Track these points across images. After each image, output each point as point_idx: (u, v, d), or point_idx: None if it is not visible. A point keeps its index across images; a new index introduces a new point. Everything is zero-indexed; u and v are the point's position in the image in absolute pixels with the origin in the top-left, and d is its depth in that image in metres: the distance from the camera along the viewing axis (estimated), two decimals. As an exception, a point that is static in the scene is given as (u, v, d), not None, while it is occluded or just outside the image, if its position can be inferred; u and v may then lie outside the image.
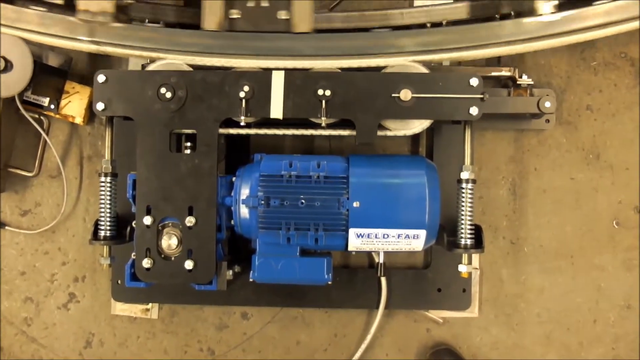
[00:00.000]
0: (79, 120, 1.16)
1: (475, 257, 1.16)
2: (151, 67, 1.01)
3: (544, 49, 1.02)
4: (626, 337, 1.16)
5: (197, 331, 1.18)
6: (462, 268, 0.98)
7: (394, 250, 0.97)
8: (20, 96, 1.08)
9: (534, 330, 1.16)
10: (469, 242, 0.97)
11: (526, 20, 1.00)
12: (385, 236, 0.95)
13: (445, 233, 1.00)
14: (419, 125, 0.99)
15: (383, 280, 1.12)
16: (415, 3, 1.12)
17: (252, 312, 1.18)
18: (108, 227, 1.00)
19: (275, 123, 0.98)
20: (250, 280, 0.97)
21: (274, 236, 0.95)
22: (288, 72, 0.96)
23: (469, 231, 0.97)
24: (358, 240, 0.95)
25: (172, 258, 0.96)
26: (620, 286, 1.16)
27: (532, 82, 1.08)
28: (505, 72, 1.08)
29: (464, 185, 0.97)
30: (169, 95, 0.95)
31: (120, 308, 1.18)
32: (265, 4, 1.02)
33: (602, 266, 1.16)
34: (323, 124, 0.96)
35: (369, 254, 1.16)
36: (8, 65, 1.03)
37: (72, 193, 1.20)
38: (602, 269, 1.16)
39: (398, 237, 0.95)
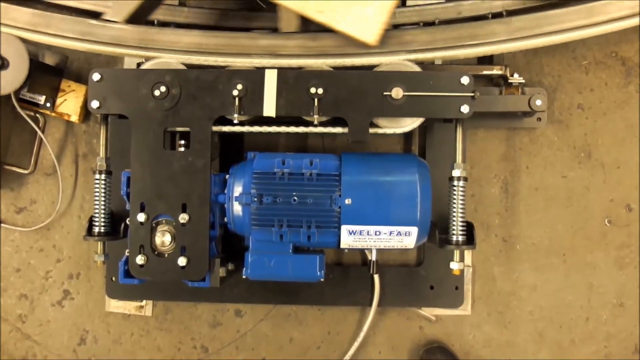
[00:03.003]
0: (74, 118, 1.17)
1: (468, 255, 1.17)
2: (146, 66, 1.02)
3: (535, 47, 1.02)
4: (618, 335, 1.16)
5: (191, 328, 1.19)
6: (454, 265, 0.99)
7: (386, 247, 0.98)
8: (16, 94, 1.09)
9: (527, 327, 1.17)
10: (460, 238, 0.97)
11: (518, 18, 1.01)
12: (377, 233, 0.95)
13: (437, 230, 1.01)
14: (411, 124, 0.99)
15: (376, 277, 1.12)
16: (408, 2, 1.13)
17: (246, 309, 1.19)
18: (102, 224, 1.00)
19: (269, 121, 0.99)
20: (244, 277, 0.98)
21: (266, 233, 0.96)
22: (281, 70, 0.97)
23: (460, 228, 0.97)
24: (350, 237, 0.96)
25: (166, 255, 0.96)
26: (612, 284, 1.16)
27: (523, 81, 1.09)
28: (496, 71, 1.09)
29: (455, 182, 0.97)
30: (163, 93, 0.96)
31: (115, 305, 1.18)
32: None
33: (594, 264, 1.17)
34: (316, 122, 0.97)
35: (361, 251, 1.17)
36: (4, 63, 1.04)
37: (67, 190, 1.20)
38: (594, 267, 1.17)
39: (390, 234, 0.96)
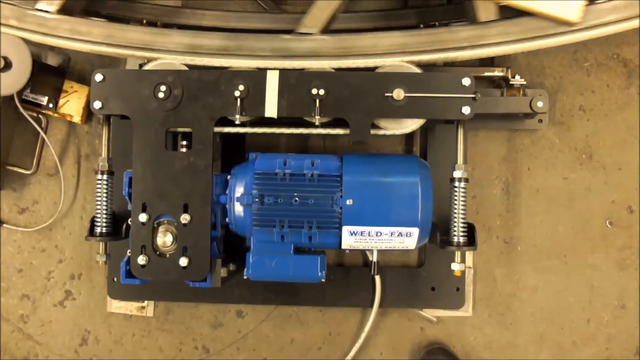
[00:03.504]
0: (77, 119, 1.17)
1: (469, 256, 1.17)
2: (148, 67, 1.03)
3: (537, 49, 1.02)
4: (620, 337, 1.16)
5: (192, 329, 1.19)
6: (455, 266, 0.99)
7: (387, 248, 0.98)
8: (19, 95, 1.10)
9: (528, 329, 1.17)
10: (461, 240, 0.98)
11: (519, 20, 1.01)
12: (379, 234, 0.96)
13: (438, 231, 1.01)
14: (412, 125, 0.99)
15: (377, 278, 1.12)
16: (410, 4, 1.13)
17: (247, 310, 1.19)
18: (104, 224, 1.01)
19: (270, 122, 0.99)
20: (245, 277, 0.98)
21: (268, 234, 0.96)
22: (282, 71, 0.97)
23: (461, 229, 0.98)
24: (351, 238, 0.96)
25: (167, 255, 0.96)
26: (613, 286, 1.16)
27: (524, 83, 1.09)
28: (498, 73, 1.09)
29: (456, 183, 0.98)
30: (165, 94, 0.97)
31: (116, 306, 1.18)
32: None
33: (595, 265, 1.17)
34: (317, 123, 0.97)
35: (363, 252, 1.17)
36: (7, 64, 1.04)
37: (70, 191, 1.21)
38: (595, 269, 1.17)
39: (391, 235, 0.96)
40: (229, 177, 1.00)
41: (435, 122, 1.10)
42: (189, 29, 1.09)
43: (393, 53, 1.00)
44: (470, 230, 0.99)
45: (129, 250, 0.97)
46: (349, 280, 1.14)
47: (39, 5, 1.03)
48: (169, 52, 1.02)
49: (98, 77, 0.98)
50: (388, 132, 1.00)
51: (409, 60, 0.99)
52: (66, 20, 1.03)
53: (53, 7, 1.03)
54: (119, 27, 1.04)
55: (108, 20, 1.08)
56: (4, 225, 1.20)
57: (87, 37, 1.03)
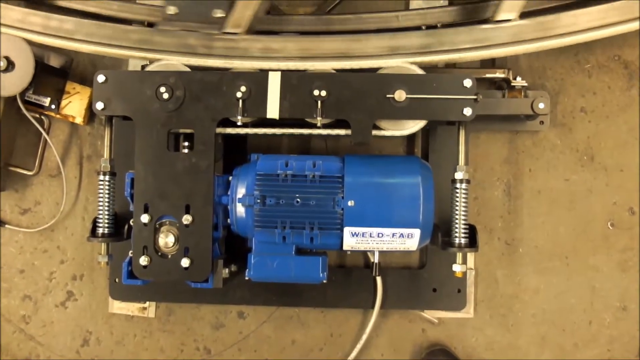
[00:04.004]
0: (79, 120, 1.18)
1: (471, 258, 1.17)
2: (150, 68, 1.03)
3: (538, 51, 1.02)
4: (621, 338, 1.16)
5: (194, 330, 1.19)
6: (456, 267, 0.99)
7: (388, 249, 0.98)
8: (21, 96, 1.10)
9: (529, 331, 1.17)
10: (463, 241, 0.98)
11: (520, 22, 1.01)
12: (380, 235, 0.96)
13: (439, 233, 1.01)
14: (413, 126, 1.00)
15: (378, 279, 1.12)
16: (411, 5, 1.14)
17: (248, 311, 1.19)
18: (106, 225, 1.01)
19: (272, 123, 1.00)
20: (246, 278, 0.98)
21: (269, 235, 0.96)
22: (284, 72, 0.97)
23: (463, 230, 0.98)
24: (353, 239, 0.96)
25: (169, 256, 0.97)
26: (615, 287, 1.16)
27: (526, 84, 1.09)
28: (499, 74, 1.09)
29: (458, 185, 0.98)
30: (167, 95, 0.97)
31: (118, 306, 1.19)
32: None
33: (597, 267, 1.17)
34: (319, 124, 0.97)
35: (364, 253, 1.17)
36: (10, 65, 1.05)
37: (72, 192, 1.21)
38: (597, 270, 1.17)
39: (392, 236, 0.96)
40: (230, 178, 1.00)
41: (437, 124, 1.10)
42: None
43: (593, 28, 0.98)
44: (471, 232, 0.99)
45: (130, 251, 0.97)
46: (351, 281, 1.14)
47: (226, 29, 1.02)
48: (368, 58, 1.01)
49: (100, 78, 0.98)
50: (390, 133, 1.00)
51: (613, 33, 0.96)
52: (257, 40, 1.02)
53: (241, 29, 1.01)
54: (313, 39, 1.03)
55: (300, 34, 1.06)
56: (6, 226, 1.21)
57: (282, 53, 1.02)
